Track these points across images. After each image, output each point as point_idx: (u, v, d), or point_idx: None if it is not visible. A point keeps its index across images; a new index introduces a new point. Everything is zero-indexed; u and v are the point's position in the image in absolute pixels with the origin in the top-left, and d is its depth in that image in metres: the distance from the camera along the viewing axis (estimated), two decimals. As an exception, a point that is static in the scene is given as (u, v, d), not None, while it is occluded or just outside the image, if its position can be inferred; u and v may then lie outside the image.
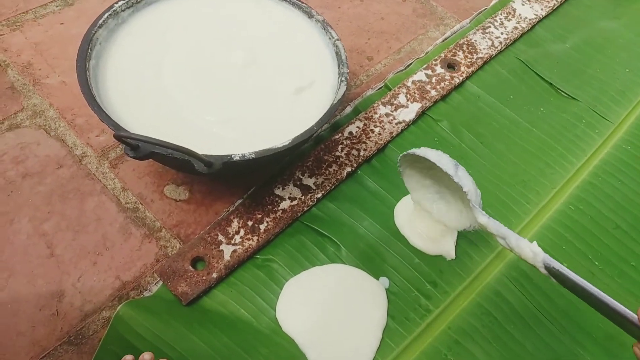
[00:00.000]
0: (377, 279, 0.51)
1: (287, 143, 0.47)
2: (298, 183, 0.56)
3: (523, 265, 0.53)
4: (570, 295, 0.51)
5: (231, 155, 0.45)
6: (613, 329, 0.50)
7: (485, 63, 0.71)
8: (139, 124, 0.49)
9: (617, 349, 0.49)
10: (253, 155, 0.46)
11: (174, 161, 0.47)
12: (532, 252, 0.41)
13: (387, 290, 0.50)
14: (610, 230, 0.57)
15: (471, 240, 0.54)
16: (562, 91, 0.69)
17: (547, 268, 0.40)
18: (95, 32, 0.52)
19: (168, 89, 0.52)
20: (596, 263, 0.54)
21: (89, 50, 0.51)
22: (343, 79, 0.54)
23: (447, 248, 0.53)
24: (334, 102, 0.51)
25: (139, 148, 0.44)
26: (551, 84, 0.70)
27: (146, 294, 0.48)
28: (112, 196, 0.54)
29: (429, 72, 0.68)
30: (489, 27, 0.74)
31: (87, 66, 0.49)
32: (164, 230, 0.53)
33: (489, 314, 0.49)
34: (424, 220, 0.53)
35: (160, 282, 0.49)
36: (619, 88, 0.71)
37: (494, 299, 0.50)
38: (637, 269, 0.55)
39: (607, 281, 0.53)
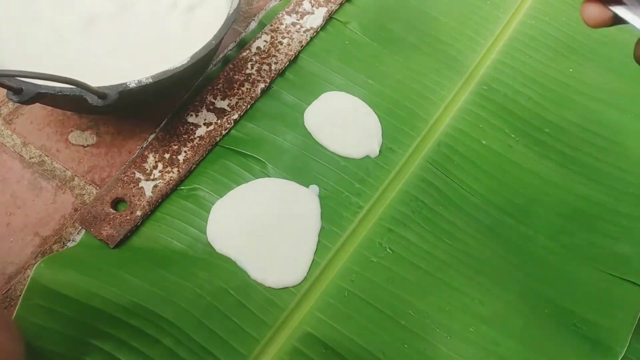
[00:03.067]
0: (307, 187, 0.51)
1: (185, 62, 0.45)
2: (211, 107, 0.54)
3: (443, 149, 0.54)
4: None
5: (126, 83, 0.43)
6: (533, 193, 0.53)
7: (386, -42, 0.69)
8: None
9: (538, 208, 0.52)
10: (150, 80, 0.43)
11: (65, 100, 0.43)
12: None
13: (317, 196, 0.50)
14: (523, 103, 0.59)
15: (393, 135, 0.55)
16: (465, -25, 0.68)
17: None
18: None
19: (48, 24, 0.48)
20: (512, 136, 0.56)
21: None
22: (236, -13, 0.51)
23: (372, 147, 0.54)
24: (231, 12, 0.48)
25: (23, 91, 0.41)
26: (454, -31, 0.69)
27: (70, 244, 0.46)
28: (13, 153, 0.50)
29: (331, -26, 0.65)
30: None
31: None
32: (76, 178, 0.50)
33: (417, 200, 0.51)
34: (339, 127, 0.53)
35: (83, 231, 0.47)
36: (519, -36, 0.71)
37: (421, 185, 0.52)
38: (551, 135, 0.57)
39: (525, 151, 0.56)
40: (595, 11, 0.26)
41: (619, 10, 0.26)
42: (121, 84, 0.42)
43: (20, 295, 0.44)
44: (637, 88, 0.62)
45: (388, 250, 0.47)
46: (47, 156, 0.51)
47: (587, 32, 0.66)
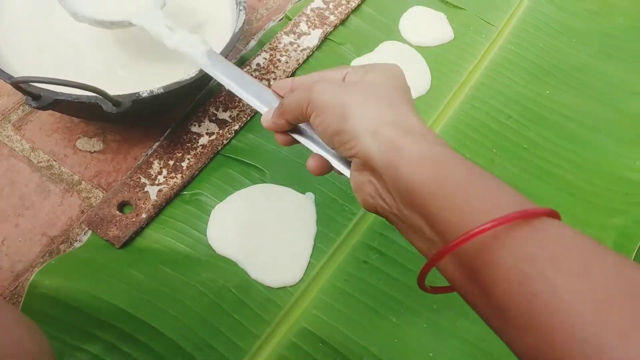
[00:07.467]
0: (304, 194, 0.54)
1: (193, 75, 0.48)
2: (213, 118, 0.57)
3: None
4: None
5: (139, 92, 0.46)
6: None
7: (377, -15, 0.73)
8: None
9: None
10: (162, 90, 0.46)
11: (80, 107, 0.46)
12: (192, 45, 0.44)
13: (313, 202, 0.53)
14: (503, 120, 0.63)
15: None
16: (450, 3, 0.73)
17: (210, 56, 0.43)
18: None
19: (66, 37, 0.51)
20: (494, 150, 0.61)
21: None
22: (241, 7, 0.54)
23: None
24: (236, 30, 0.52)
25: (41, 97, 0.43)
26: (439, -3, 0.74)
27: (77, 244, 0.49)
28: (22, 158, 0.53)
29: (326, -2, 0.70)
30: (377, -50, 0.77)
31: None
32: (83, 182, 0.52)
33: (406, 208, 0.54)
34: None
35: (90, 232, 0.49)
36: (500, -5, 0.76)
37: (410, 193, 0.55)
38: (529, 151, 0.61)
39: (505, 165, 0.60)
40: (282, 137, 0.36)
41: (294, 135, 0.36)
42: (134, 93, 0.45)
43: (28, 292, 0.46)
44: (606, 110, 0.67)
45: (379, 253, 0.50)
46: (55, 161, 0.53)
47: (562, 58, 0.71)
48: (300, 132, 0.36)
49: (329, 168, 0.35)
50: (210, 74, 0.42)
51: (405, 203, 0.27)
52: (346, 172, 0.34)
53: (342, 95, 0.30)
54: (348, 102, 0.30)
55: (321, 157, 0.35)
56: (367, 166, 0.29)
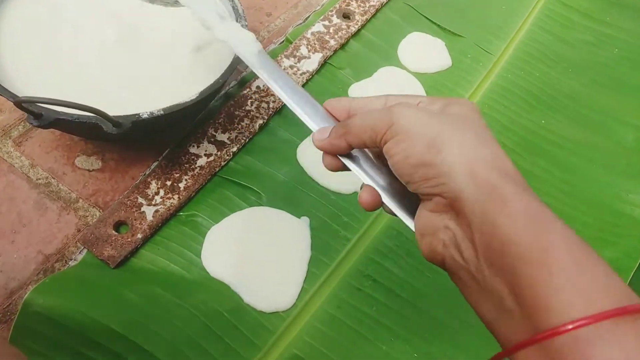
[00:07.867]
0: (299, 218, 0.54)
1: (194, 97, 0.49)
2: (212, 140, 0.58)
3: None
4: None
5: (139, 113, 0.46)
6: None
7: (377, 11, 0.75)
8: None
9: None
10: (162, 112, 0.47)
11: (80, 126, 0.47)
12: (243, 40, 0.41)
13: (308, 227, 0.54)
14: (498, 149, 0.64)
15: (380, 172, 0.59)
16: (449, 30, 0.75)
17: (261, 57, 0.39)
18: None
19: (68, 56, 0.52)
20: (488, 179, 0.61)
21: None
22: (243, 31, 0.55)
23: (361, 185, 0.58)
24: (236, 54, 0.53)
25: (43, 116, 0.44)
26: (439, 25, 0.75)
27: (72, 263, 0.49)
28: (21, 174, 0.53)
29: (327, 23, 0.71)
30: (378, -24, 0.78)
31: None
32: (81, 200, 0.53)
33: (401, 235, 0.54)
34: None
35: (85, 251, 0.49)
36: (498, 24, 0.78)
37: (404, 220, 0.56)
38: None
39: (499, 193, 0.60)
40: (332, 161, 0.32)
41: (346, 161, 0.32)
42: (134, 114, 0.46)
43: (21, 310, 0.46)
44: (601, 141, 0.68)
45: (373, 280, 0.51)
46: (54, 178, 0.53)
47: (558, 88, 0.72)
48: (352, 158, 0.32)
49: (381, 203, 0.31)
50: (259, 75, 0.39)
51: (491, 262, 0.23)
52: (399, 212, 0.30)
53: (433, 123, 0.26)
54: (440, 132, 0.26)
55: (374, 190, 0.31)
56: (452, 209, 0.25)
